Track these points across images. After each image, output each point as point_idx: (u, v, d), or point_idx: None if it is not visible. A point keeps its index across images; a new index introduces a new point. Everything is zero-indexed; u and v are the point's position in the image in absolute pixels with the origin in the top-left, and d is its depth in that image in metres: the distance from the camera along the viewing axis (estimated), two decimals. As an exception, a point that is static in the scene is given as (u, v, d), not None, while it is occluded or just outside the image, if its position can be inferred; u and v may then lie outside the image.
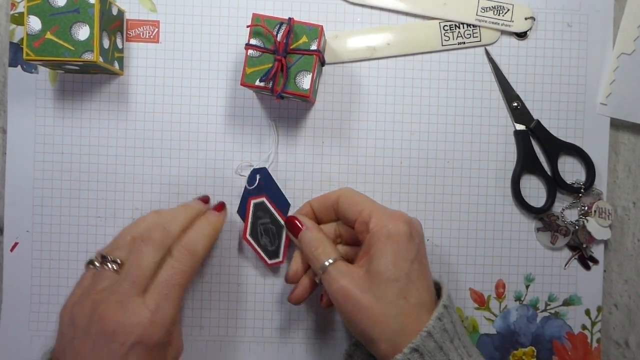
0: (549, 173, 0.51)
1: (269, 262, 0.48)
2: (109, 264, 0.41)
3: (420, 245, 0.43)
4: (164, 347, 0.40)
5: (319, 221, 0.48)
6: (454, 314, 0.42)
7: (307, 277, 0.46)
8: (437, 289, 0.44)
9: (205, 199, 0.48)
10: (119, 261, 0.41)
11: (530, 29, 0.51)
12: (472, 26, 0.51)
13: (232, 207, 0.50)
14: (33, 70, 0.50)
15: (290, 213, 0.49)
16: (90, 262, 0.42)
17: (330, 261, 0.42)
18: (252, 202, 0.48)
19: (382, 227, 0.42)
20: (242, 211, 0.48)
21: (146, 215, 0.44)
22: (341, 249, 0.47)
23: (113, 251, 0.42)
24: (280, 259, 0.48)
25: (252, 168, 0.50)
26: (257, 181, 0.49)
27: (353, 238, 0.46)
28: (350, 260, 0.44)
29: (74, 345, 0.39)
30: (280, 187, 0.49)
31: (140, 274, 0.40)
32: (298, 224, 0.46)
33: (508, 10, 0.50)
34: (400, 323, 0.39)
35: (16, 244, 0.50)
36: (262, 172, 0.49)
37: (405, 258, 0.41)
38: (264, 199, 0.48)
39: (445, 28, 0.51)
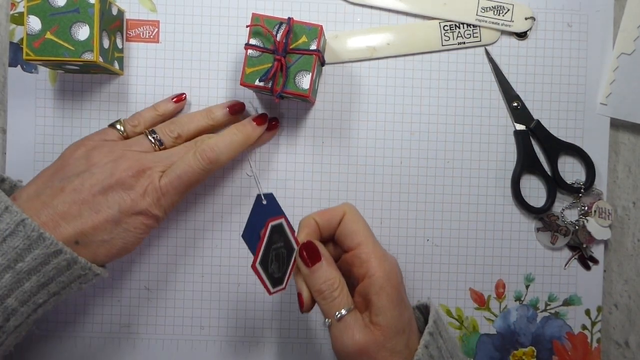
0: (549, 173, 0.51)
1: (272, 290, 0.42)
2: (153, 138, 0.45)
3: (403, 288, 0.43)
4: (150, 228, 0.43)
5: (319, 239, 0.44)
6: (440, 339, 0.42)
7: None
8: (426, 311, 0.45)
9: (261, 120, 0.48)
10: (162, 144, 0.45)
11: (530, 29, 0.51)
12: (472, 26, 0.51)
13: (224, 214, 0.50)
14: (33, 70, 0.50)
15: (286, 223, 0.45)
16: (115, 125, 0.46)
17: (345, 311, 0.40)
18: (270, 224, 0.42)
19: (382, 275, 0.41)
20: (248, 235, 0.45)
21: (196, 115, 0.48)
22: None
23: (161, 134, 0.45)
24: (283, 285, 0.43)
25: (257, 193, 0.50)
26: (263, 201, 0.49)
27: (335, 256, 0.44)
28: None
29: (82, 179, 0.41)
30: (279, 196, 0.49)
31: (168, 160, 0.43)
32: (317, 252, 0.42)
33: (508, 10, 0.50)
34: None
35: None
36: (268, 197, 0.49)
37: (406, 307, 0.41)
38: (282, 221, 0.43)
39: (445, 28, 0.51)
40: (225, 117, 0.48)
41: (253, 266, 0.41)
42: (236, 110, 0.48)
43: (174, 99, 0.49)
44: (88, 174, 0.41)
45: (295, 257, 0.43)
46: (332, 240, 0.45)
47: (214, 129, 0.48)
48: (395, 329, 0.40)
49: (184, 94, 0.49)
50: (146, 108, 0.48)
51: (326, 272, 0.41)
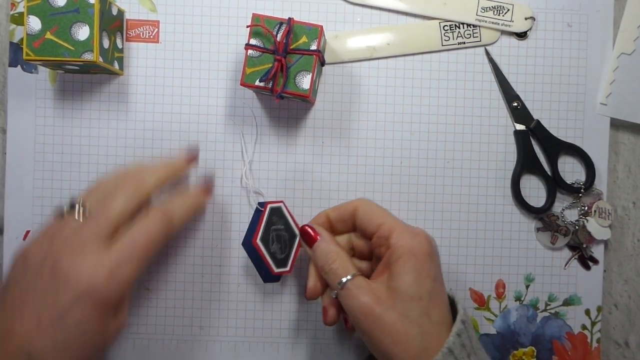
0: (549, 173, 0.51)
1: (276, 270, 0.46)
2: (77, 210, 0.38)
3: (439, 263, 0.42)
4: (111, 311, 0.37)
5: (334, 232, 0.46)
6: (470, 328, 0.41)
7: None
8: (451, 302, 0.44)
9: (191, 157, 0.47)
10: (87, 208, 0.38)
11: (530, 29, 0.51)
12: (472, 26, 0.51)
13: (224, 214, 0.50)
14: (33, 70, 0.50)
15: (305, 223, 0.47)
16: (57, 211, 0.40)
17: (349, 277, 0.41)
18: (269, 206, 0.46)
19: (404, 244, 0.41)
20: (248, 242, 0.46)
21: (124, 167, 0.43)
22: (355, 263, 0.45)
23: (83, 198, 0.39)
24: (288, 268, 0.47)
25: (259, 201, 0.50)
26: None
27: (367, 251, 0.45)
28: (364, 274, 0.43)
29: (20, 285, 0.36)
30: (279, 196, 0.49)
31: (107, 221, 0.37)
32: (313, 233, 0.44)
33: (508, 10, 0.50)
34: (423, 341, 0.38)
35: (28, 232, 0.50)
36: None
37: (428, 276, 0.40)
38: (281, 205, 0.47)
39: (445, 28, 0.51)
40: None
41: (254, 242, 0.45)
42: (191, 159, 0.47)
43: None
44: (21, 283, 0.37)
45: (298, 242, 0.47)
46: (361, 236, 0.46)
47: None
48: (408, 294, 0.39)
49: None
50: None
51: (324, 247, 0.43)
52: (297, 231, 0.47)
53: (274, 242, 0.46)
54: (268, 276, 0.46)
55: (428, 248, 0.41)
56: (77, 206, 0.38)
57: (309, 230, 0.44)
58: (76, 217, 0.38)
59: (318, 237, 0.44)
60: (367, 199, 0.46)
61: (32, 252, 0.38)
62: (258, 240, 0.45)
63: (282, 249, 0.46)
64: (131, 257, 0.37)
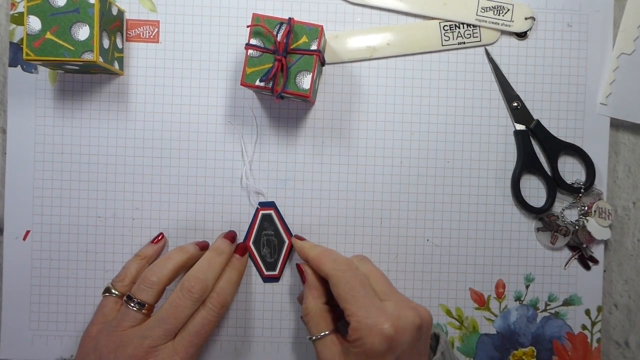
0: (549, 173, 0.51)
1: (266, 272, 0.50)
2: (134, 305, 0.44)
3: (401, 353, 0.41)
4: None
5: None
6: None
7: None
8: (436, 339, 0.46)
9: (231, 236, 0.48)
10: (145, 304, 0.44)
11: (530, 29, 0.51)
12: (472, 26, 0.51)
13: (224, 214, 0.50)
14: (33, 70, 0.50)
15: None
16: (108, 291, 0.46)
17: (320, 335, 0.43)
18: (261, 212, 0.50)
19: (357, 337, 0.40)
20: (257, 243, 0.50)
21: (171, 254, 0.46)
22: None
23: (139, 293, 0.44)
24: (277, 272, 0.50)
25: (260, 200, 0.50)
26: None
27: None
28: None
29: None
30: (279, 197, 0.50)
31: (177, 324, 0.43)
32: (303, 276, 0.46)
33: (508, 10, 0.50)
34: None
35: (28, 232, 0.50)
36: (270, 205, 0.50)
37: None
38: (272, 212, 0.50)
39: (445, 28, 0.51)
40: (198, 251, 0.47)
41: (247, 244, 0.50)
42: (205, 247, 0.48)
43: (154, 241, 0.49)
44: None
45: (287, 248, 0.50)
46: None
47: (190, 261, 0.46)
48: None
49: (161, 233, 0.49)
50: (130, 259, 0.48)
51: (306, 300, 0.45)
52: (285, 238, 0.50)
53: (265, 246, 0.50)
54: (267, 270, 0.49)
55: (381, 347, 0.40)
56: (135, 304, 0.43)
57: (300, 271, 0.46)
58: (136, 311, 0.43)
59: (305, 281, 0.46)
60: (337, 269, 0.43)
61: (103, 344, 0.43)
62: (250, 243, 0.50)
63: (271, 253, 0.50)
64: (195, 346, 0.43)
